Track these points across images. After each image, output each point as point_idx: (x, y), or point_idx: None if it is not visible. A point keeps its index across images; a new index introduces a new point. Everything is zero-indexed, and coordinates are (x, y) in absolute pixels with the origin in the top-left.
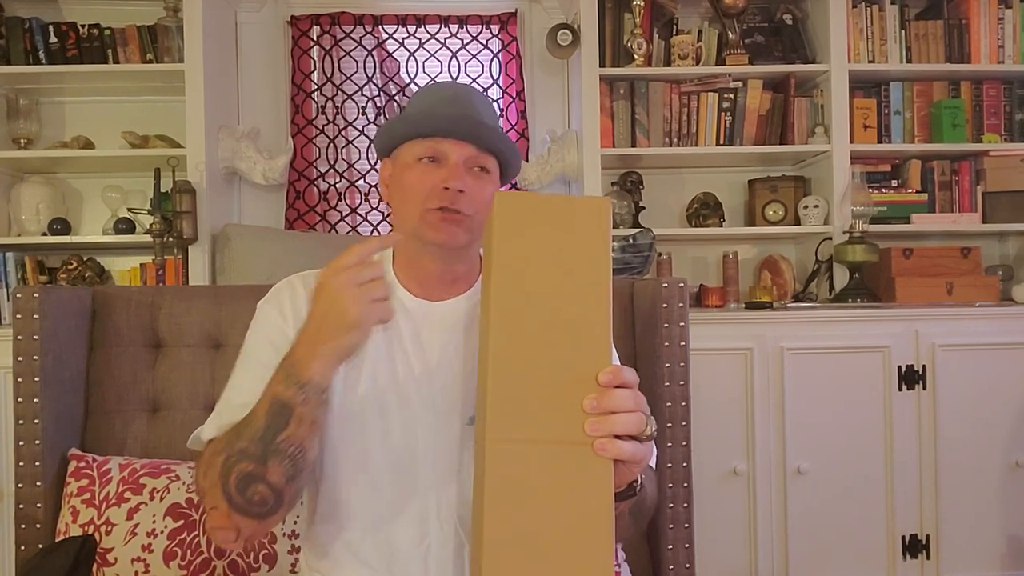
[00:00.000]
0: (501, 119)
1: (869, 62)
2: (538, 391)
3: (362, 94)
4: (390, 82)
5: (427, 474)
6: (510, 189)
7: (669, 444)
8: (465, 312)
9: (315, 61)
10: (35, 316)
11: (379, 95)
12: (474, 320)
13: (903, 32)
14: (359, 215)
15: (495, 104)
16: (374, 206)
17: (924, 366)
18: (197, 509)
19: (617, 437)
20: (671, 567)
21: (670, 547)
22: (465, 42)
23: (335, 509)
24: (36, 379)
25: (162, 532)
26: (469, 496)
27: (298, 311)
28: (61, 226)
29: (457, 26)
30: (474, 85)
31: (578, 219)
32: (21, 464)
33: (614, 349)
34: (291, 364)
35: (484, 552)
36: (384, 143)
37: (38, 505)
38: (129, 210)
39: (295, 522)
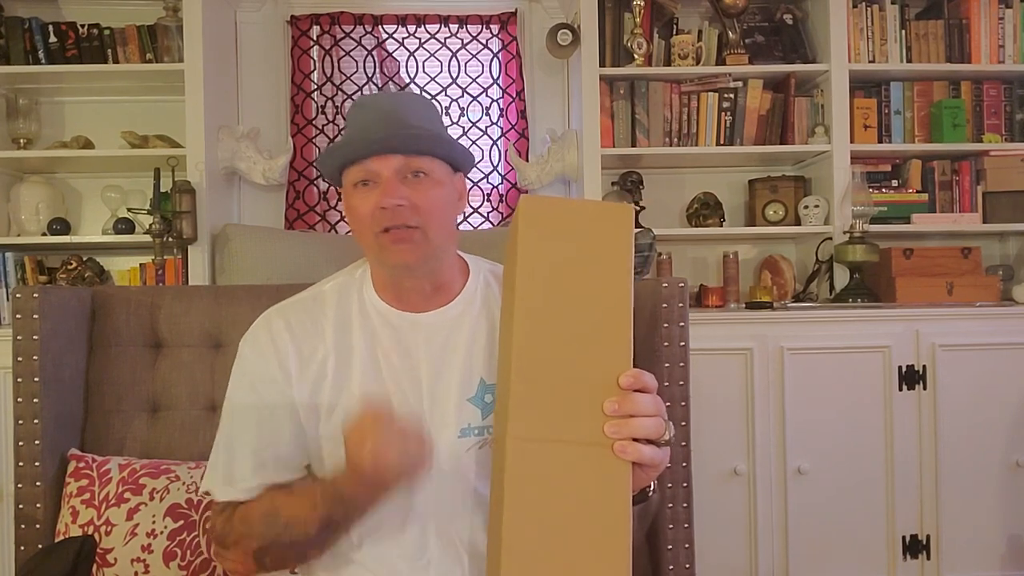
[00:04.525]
0: (501, 119)
1: (869, 62)
2: (559, 392)
3: (362, 94)
4: (390, 82)
5: (420, 488)
6: (516, 192)
7: None
8: (453, 323)
9: (315, 61)
10: (35, 316)
11: None
12: (462, 330)
13: (903, 32)
14: None
15: (444, 103)
16: None
17: (924, 366)
18: (197, 509)
19: (636, 440)
20: (671, 567)
21: (670, 547)
22: (465, 42)
23: None
24: (36, 379)
25: (162, 532)
26: (463, 510)
27: (278, 348)
28: (61, 226)
29: (457, 26)
30: (473, 85)
31: (601, 225)
32: (21, 464)
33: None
34: (345, 498)
35: (503, 548)
36: (329, 174)
37: (38, 505)
38: (129, 210)
39: None
